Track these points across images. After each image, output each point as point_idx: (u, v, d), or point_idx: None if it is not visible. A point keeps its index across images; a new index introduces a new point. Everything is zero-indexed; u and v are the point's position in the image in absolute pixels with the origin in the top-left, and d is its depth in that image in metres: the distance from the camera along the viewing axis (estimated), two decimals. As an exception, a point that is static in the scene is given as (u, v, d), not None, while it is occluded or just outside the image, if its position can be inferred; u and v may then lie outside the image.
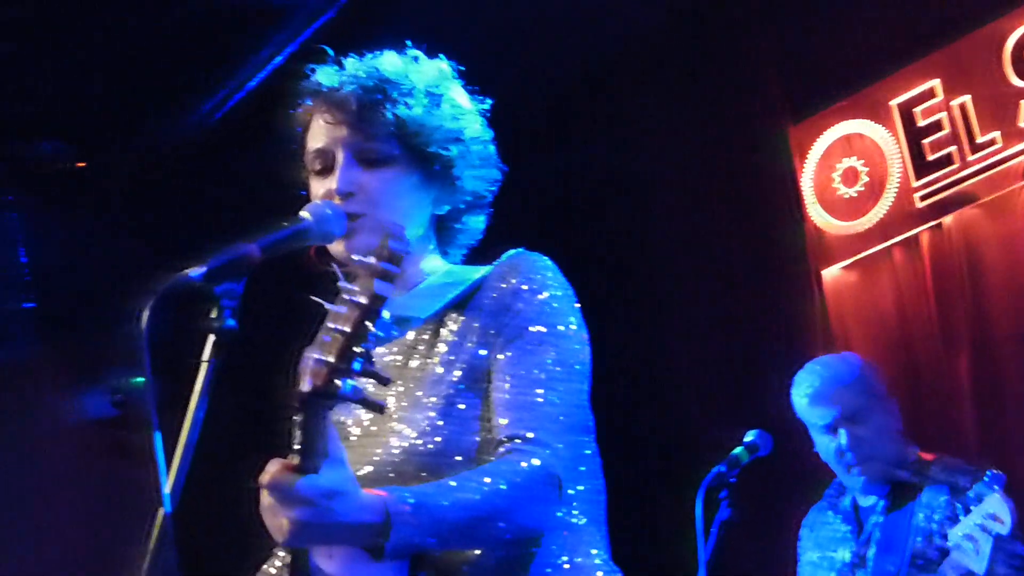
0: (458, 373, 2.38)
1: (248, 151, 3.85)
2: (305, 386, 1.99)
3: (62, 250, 6.23)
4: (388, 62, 2.57)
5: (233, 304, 2.19)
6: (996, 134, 5.53)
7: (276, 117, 2.66)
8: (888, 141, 5.80)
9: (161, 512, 2.05)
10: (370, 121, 2.49)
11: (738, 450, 4.47)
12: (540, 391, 2.34)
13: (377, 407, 2.06)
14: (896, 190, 5.76)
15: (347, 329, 1.99)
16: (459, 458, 2.32)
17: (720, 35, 6.35)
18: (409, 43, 2.63)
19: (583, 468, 2.43)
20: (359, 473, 2.22)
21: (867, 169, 5.88)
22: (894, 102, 5.80)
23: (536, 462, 2.24)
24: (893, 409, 4.48)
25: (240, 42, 5.90)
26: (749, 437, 4.52)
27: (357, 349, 1.99)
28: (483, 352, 2.39)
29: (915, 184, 5.70)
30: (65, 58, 5.77)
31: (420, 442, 2.32)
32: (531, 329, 2.39)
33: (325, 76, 2.57)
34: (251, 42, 5.90)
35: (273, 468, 2.03)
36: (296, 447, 2.03)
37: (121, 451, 6.16)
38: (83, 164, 6.19)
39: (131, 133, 6.25)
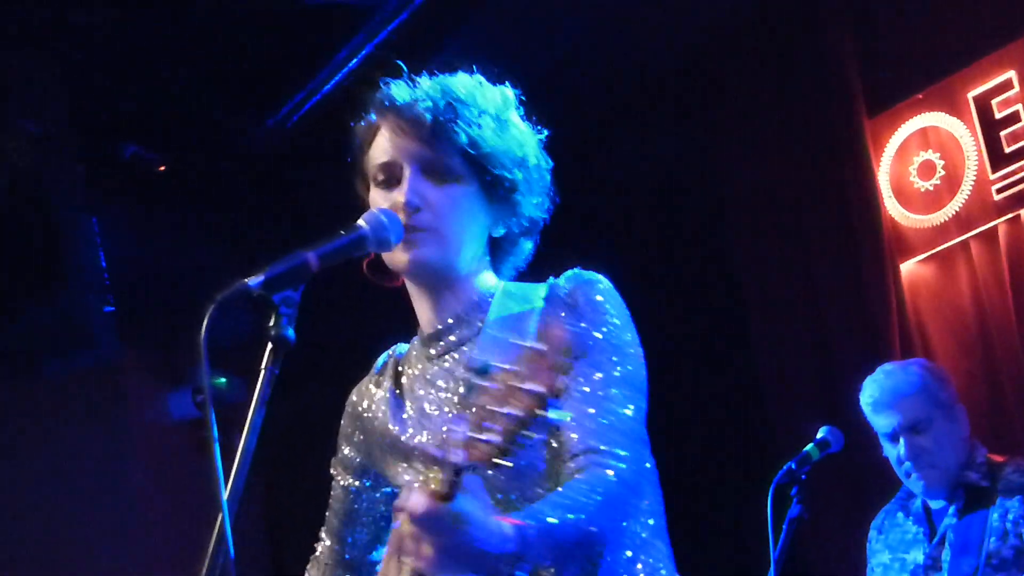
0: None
1: (324, 157, 3.90)
2: (457, 457, 2.00)
3: (141, 253, 6.32)
4: (461, 83, 2.61)
5: (291, 312, 2.23)
6: (1073, 125, 5.46)
7: (348, 124, 2.70)
8: (964, 134, 5.73)
9: (220, 518, 2.10)
10: (442, 138, 2.53)
11: (809, 447, 4.46)
12: (608, 406, 2.40)
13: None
14: (973, 183, 5.69)
15: (518, 414, 1.99)
16: (536, 476, 2.40)
17: (799, 30, 6.31)
18: (475, 68, 2.66)
19: (647, 480, 2.50)
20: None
21: (943, 162, 5.82)
22: (971, 94, 5.74)
23: (611, 473, 2.30)
24: (959, 416, 4.46)
25: (318, 44, 5.94)
26: (820, 434, 4.51)
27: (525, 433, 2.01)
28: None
29: (992, 176, 5.62)
30: (145, 62, 5.85)
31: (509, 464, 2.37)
32: (596, 349, 2.45)
33: (398, 91, 2.60)
34: (329, 44, 5.94)
35: (418, 497, 2.05)
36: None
37: (204, 450, 6.23)
38: (163, 168, 6.27)
39: (210, 137, 6.33)
